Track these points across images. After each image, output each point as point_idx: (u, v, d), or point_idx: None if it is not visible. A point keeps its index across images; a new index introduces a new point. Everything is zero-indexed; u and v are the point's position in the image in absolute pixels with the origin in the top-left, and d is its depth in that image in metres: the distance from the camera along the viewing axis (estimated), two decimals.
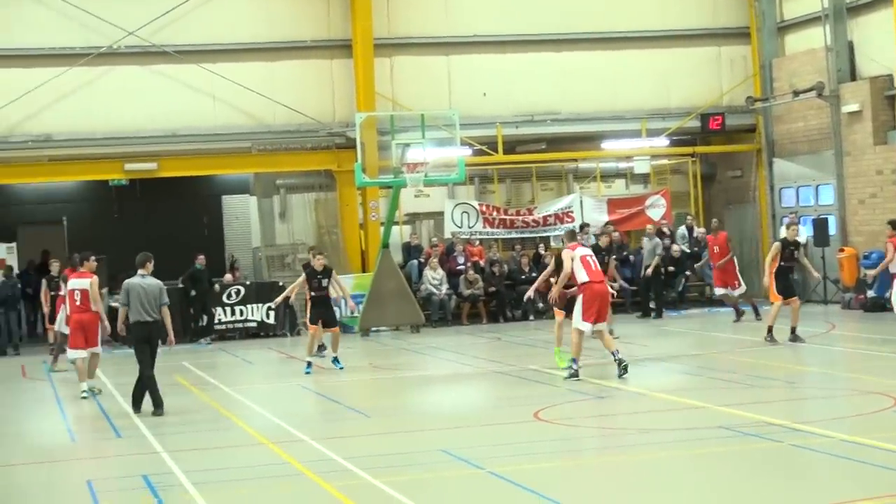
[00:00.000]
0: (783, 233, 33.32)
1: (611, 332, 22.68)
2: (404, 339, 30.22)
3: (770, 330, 24.83)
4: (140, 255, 19.77)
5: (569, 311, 21.53)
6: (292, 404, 20.90)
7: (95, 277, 22.07)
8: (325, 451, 15.34)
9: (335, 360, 24.38)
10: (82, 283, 21.97)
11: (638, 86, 35.94)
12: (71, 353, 22.06)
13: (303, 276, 24.72)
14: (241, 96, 33.39)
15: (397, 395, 21.35)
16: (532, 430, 16.45)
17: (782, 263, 24.92)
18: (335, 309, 25.63)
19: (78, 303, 21.93)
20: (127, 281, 19.52)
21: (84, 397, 21.35)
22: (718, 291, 30.76)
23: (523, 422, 16.97)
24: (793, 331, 24.83)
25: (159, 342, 19.45)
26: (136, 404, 19.35)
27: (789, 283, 25.18)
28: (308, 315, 24.55)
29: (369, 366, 25.89)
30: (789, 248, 24.98)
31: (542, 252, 34.32)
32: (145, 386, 19.27)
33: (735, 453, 14.27)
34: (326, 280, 24.22)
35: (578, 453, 14.81)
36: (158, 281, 19.49)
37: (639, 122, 35.83)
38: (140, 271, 19.45)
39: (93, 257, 22.71)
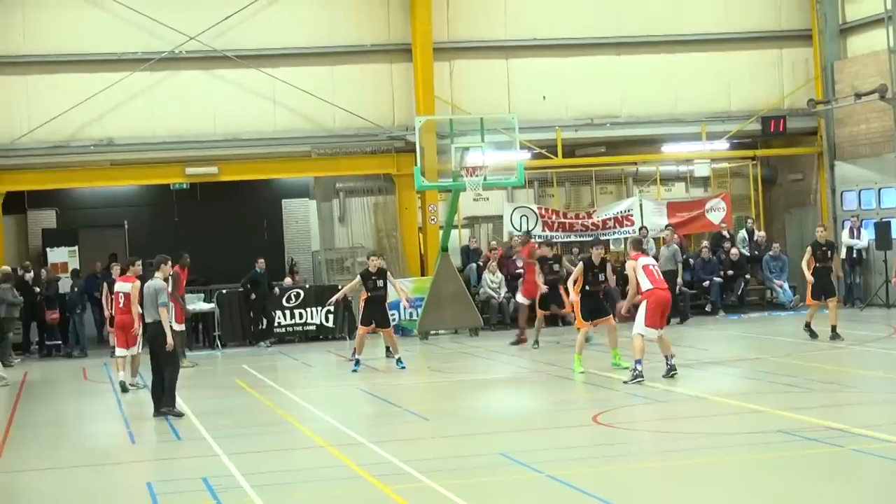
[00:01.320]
0: (845, 237, 33.45)
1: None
2: (463, 343, 30.20)
3: (808, 325, 25.95)
4: (157, 256, 20.47)
5: (592, 317, 22.84)
6: (350, 407, 20.94)
7: (138, 282, 22.58)
8: (382, 453, 15.35)
9: (398, 360, 24.72)
10: (126, 286, 23.00)
11: (698, 89, 35.77)
12: (117, 351, 23.52)
13: (357, 278, 25.17)
14: (301, 100, 33.52)
15: (455, 399, 21.34)
16: (591, 433, 16.40)
17: (816, 265, 25.73)
18: (392, 313, 25.92)
19: (121, 305, 23.14)
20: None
21: (127, 389, 22.71)
22: None
23: (582, 425, 16.93)
24: (833, 329, 25.42)
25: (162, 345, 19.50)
26: (156, 402, 19.59)
27: (824, 284, 25.79)
28: (360, 315, 24.84)
29: (427, 369, 25.90)
30: (822, 250, 25.67)
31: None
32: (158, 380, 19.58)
33: (795, 458, 14.16)
34: (382, 281, 24.61)
35: (638, 457, 14.74)
36: (160, 282, 19.82)
37: (699, 125, 35.65)
38: (157, 273, 20.02)
39: (139, 262, 23.70)
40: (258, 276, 31.65)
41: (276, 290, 32.17)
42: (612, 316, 23.32)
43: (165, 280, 20.43)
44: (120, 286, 23.29)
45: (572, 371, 22.54)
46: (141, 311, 21.71)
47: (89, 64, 32.73)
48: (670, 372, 20.89)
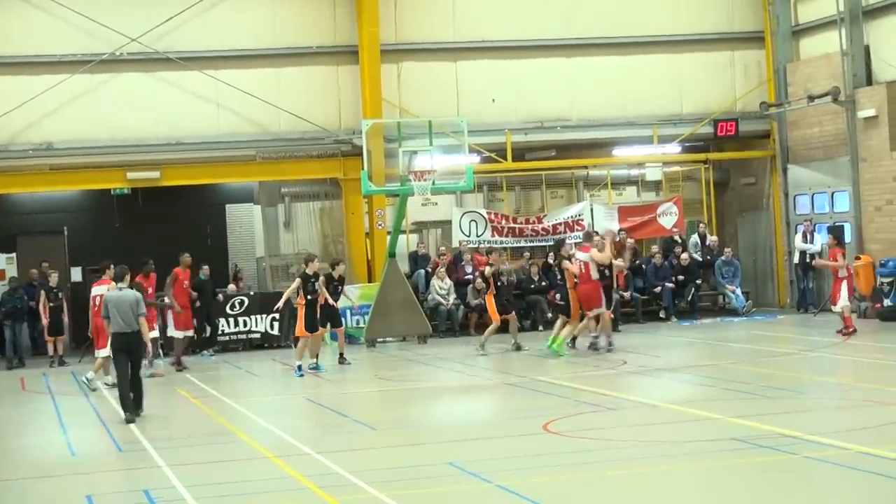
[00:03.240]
0: (798, 241, 33.65)
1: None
2: (411, 350, 30.18)
3: None
4: (118, 268, 21.32)
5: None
6: (297, 417, 20.89)
7: (113, 283, 22.77)
8: (330, 464, 15.31)
9: (341, 356, 26.89)
10: (102, 289, 24.07)
11: (649, 91, 35.87)
12: (98, 352, 24.64)
13: (298, 281, 26.15)
14: (246, 103, 33.38)
15: (404, 407, 21.32)
16: (541, 442, 16.41)
17: None
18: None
19: (96, 308, 24.34)
20: (106, 294, 21.18)
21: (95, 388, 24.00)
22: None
23: (532, 434, 16.93)
24: None
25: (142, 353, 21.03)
26: (130, 408, 20.18)
27: None
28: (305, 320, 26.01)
29: (375, 377, 25.88)
30: None
31: (551, 262, 34.29)
32: (128, 388, 20.32)
33: (749, 466, 14.21)
34: (342, 287, 25.71)
35: (589, 466, 14.74)
36: (135, 292, 20.79)
37: (650, 128, 35.79)
38: (119, 284, 20.78)
39: (113, 265, 24.16)
40: (202, 283, 31.45)
41: (220, 297, 32.04)
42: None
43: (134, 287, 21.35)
44: (97, 290, 24.73)
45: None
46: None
47: (28, 66, 32.46)
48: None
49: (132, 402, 20.21)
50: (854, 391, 20.45)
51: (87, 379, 24.27)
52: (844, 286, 28.11)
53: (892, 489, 12.67)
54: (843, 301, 28.05)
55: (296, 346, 27.32)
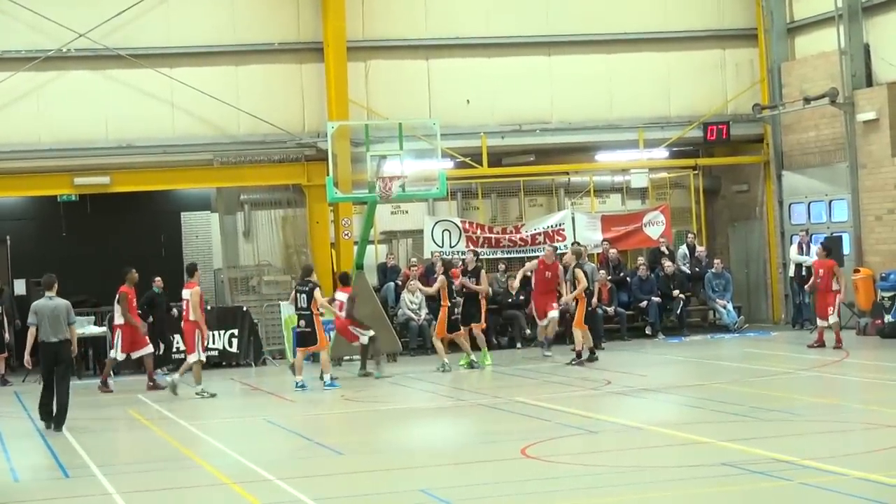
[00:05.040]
0: (793, 253, 33.80)
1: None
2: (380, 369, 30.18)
3: None
4: (46, 276, 22.70)
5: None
6: (257, 441, 20.87)
7: (197, 288, 26.49)
8: (293, 491, 15.33)
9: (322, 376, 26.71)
10: (188, 292, 26.33)
11: (635, 92, 36.02)
12: (189, 357, 26.59)
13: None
14: (202, 104, 33.39)
15: (373, 431, 21.36)
16: (519, 467, 16.46)
17: None
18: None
19: (186, 313, 26.63)
20: (35, 303, 22.26)
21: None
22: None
23: (510, 459, 16.99)
24: None
25: (72, 363, 22.65)
26: (47, 417, 21.54)
27: None
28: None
29: (341, 398, 25.89)
30: None
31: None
32: (50, 397, 21.55)
33: (739, 493, 14.31)
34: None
35: (570, 493, 14.81)
36: (66, 301, 22.04)
37: (636, 131, 35.94)
38: (47, 293, 21.96)
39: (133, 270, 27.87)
40: (155, 296, 31.38)
41: (175, 311, 31.96)
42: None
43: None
44: (187, 293, 26.39)
45: None
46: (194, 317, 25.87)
47: None
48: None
49: (53, 414, 21.41)
50: (851, 413, 20.60)
51: (199, 392, 25.92)
52: (838, 300, 28.62)
53: None
54: (835, 316, 28.89)
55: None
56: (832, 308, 28.99)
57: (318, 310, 26.44)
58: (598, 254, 35.02)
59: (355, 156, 31.65)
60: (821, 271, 29.23)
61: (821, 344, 28.98)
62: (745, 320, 35.34)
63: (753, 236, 37.25)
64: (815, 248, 33.41)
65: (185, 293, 26.54)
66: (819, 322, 29.45)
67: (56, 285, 22.21)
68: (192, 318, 26.16)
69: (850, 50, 33.38)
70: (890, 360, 26.62)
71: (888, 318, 30.85)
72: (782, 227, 36.16)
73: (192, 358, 26.22)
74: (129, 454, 19.35)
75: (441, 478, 16.17)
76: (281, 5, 34.24)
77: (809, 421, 19.78)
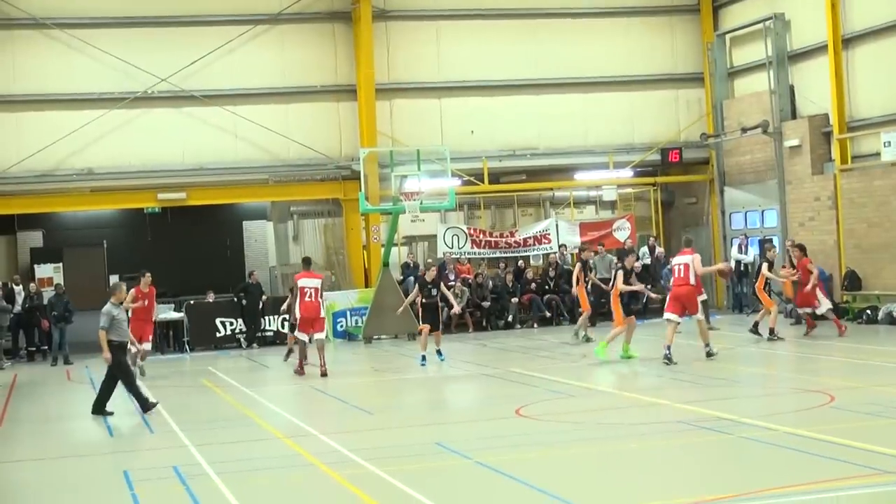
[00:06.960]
0: (734, 252, 33.66)
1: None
2: (402, 346, 30.13)
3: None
4: (114, 284, 20.06)
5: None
6: (304, 404, 20.84)
7: (322, 277, 24.61)
8: (332, 444, 15.28)
9: (438, 352, 25.05)
10: (313, 282, 23.64)
11: (606, 124, 35.96)
12: (315, 336, 23.69)
13: (416, 287, 25.50)
14: (260, 134, 33.37)
15: (396, 395, 21.30)
16: (514, 424, 16.38)
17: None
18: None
19: (307, 298, 23.61)
20: (110, 308, 19.21)
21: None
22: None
23: (506, 417, 16.91)
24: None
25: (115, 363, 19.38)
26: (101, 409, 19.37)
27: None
28: (421, 317, 25.40)
29: (371, 369, 25.83)
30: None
31: (521, 267, 34.57)
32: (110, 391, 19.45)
33: (692, 444, 14.24)
34: (436, 290, 24.93)
35: (557, 445, 14.73)
36: (108, 306, 19.14)
37: (607, 155, 35.84)
38: (112, 299, 19.30)
39: (148, 274, 24.93)
40: (250, 286, 31.61)
41: (264, 297, 31.91)
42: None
43: (121, 303, 19.57)
44: (305, 282, 23.68)
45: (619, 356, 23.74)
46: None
47: (72, 102, 32.42)
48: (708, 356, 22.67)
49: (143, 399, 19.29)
50: (781, 381, 20.52)
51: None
52: (818, 291, 26.78)
53: (811, 462, 12.73)
54: (826, 303, 26.88)
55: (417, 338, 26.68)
56: (817, 301, 26.65)
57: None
58: (574, 253, 34.87)
59: (382, 175, 31.68)
60: (798, 272, 27.18)
61: (812, 327, 26.85)
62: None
63: (701, 239, 36.99)
64: (751, 248, 33.39)
65: (311, 282, 23.73)
66: (800, 310, 27.61)
67: (119, 292, 19.51)
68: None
69: (778, 90, 33.31)
70: (813, 340, 26.39)
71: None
72: (725, 232, 36.09)
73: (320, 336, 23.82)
74: (202, 414, 19.26)
75: (452, 433, 16.10)
76: (322, 55, 34.18)
77: (745, 386, 19.75)
